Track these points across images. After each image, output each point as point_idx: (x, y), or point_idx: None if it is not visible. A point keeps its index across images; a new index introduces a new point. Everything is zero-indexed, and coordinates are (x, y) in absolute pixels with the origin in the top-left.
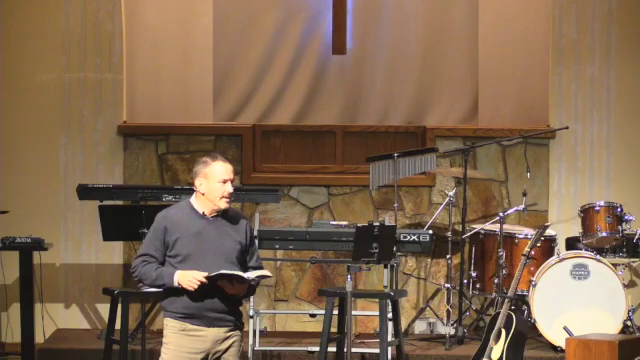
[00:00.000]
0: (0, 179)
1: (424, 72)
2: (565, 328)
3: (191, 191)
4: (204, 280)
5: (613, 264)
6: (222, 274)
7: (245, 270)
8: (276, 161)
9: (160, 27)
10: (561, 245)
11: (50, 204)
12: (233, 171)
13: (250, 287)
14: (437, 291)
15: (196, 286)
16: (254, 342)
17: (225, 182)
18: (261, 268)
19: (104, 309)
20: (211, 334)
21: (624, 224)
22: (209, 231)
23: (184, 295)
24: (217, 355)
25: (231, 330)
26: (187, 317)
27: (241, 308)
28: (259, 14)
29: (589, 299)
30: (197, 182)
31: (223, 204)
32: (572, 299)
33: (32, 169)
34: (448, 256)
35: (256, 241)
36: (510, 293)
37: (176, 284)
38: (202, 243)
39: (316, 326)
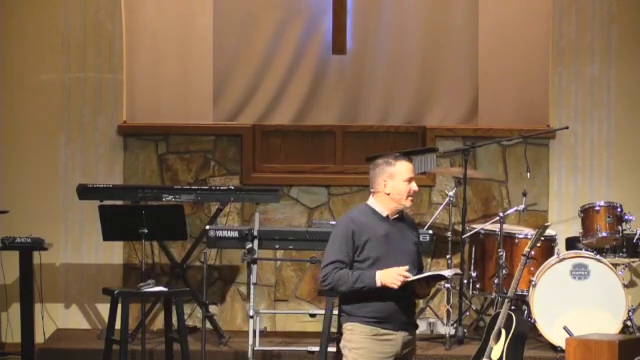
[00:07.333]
0: (0, 179)
1: (424, 72)
2: (565, 328)
3: (191, 191)
4: (408, 275)
5: (613, 264)
6: (427, 276)
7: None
8: (276, 161)
9: (160, 27)
10: (561, 245)
11: (50, 204)
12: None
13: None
14: (437, 291)
15: (400, 283)
16: (254, 342)
17: (410, 181)
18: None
19: (104, 309)
20: (400, 338)
21: (624, 224)
22: (394, 233)
23: (375, 299)
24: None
25: (412, 333)
26: (379, 321)
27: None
28: (259, 14)
29: (589, 299)
30: (380, 183)
31: (409, 203)
32: (572, 299)
33: (32, 169)
34: (448, 256)
35: None
36: (510, 293)
37: (379, 284)
38: (389, 245)
39: (316, 326)
